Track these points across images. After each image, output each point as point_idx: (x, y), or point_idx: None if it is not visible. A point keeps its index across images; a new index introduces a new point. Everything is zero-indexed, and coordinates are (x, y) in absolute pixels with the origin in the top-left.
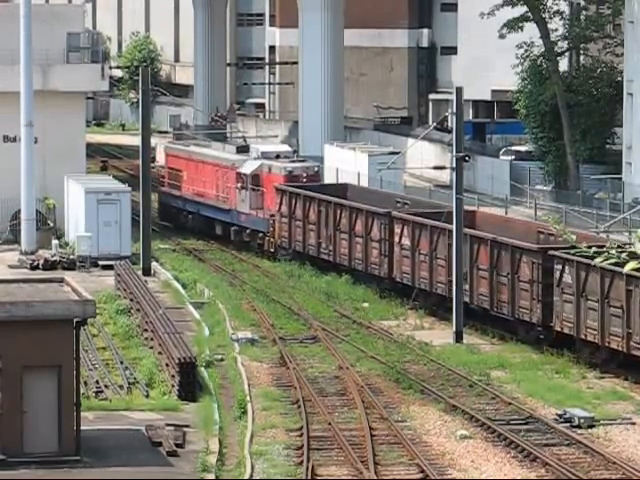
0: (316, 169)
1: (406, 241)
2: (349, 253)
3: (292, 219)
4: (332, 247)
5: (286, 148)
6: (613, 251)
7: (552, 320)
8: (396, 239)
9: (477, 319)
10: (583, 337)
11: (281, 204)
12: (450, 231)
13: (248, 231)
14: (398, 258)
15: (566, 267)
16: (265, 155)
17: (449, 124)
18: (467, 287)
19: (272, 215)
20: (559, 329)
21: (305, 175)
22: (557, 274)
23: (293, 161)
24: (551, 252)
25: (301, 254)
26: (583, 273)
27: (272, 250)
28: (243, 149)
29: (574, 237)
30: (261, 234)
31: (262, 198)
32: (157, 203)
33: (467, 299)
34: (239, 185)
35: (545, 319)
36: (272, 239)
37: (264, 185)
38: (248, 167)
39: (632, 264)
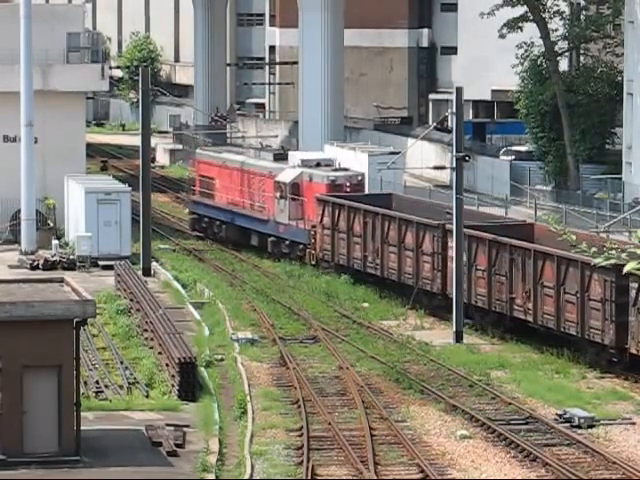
0: (359, 178)
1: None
2: (398, 267)
3: (335, 231)
4: (379, 261)
5: (326, 156)
6: (613, 251)
7: (627, 342)
8: (450, 253)
9: (477, 319)
10: None
11: (323, 215)
12: (512, 246)
13: (287, 242)
14: (453, 273)
15: None
16: (305, 163)
17: (449, 124)
18: (530, 305)
19: (313, 226)
20: (634, 352)
21: (348, 184)
22: (633, 293)
23: (335, 169)
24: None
25: (345, 267)
26: None
27: (313, 263)
28: (280, 156)
29: (574, 237)
30: (301, 246)
31: (302, 208)
32: (188, 212)
33: (530, 318)
34: (277, 194)
35: (619, 341)
36: (313, 251)
37: (304, 194)
38: (287, 175)
39: (632, 264)
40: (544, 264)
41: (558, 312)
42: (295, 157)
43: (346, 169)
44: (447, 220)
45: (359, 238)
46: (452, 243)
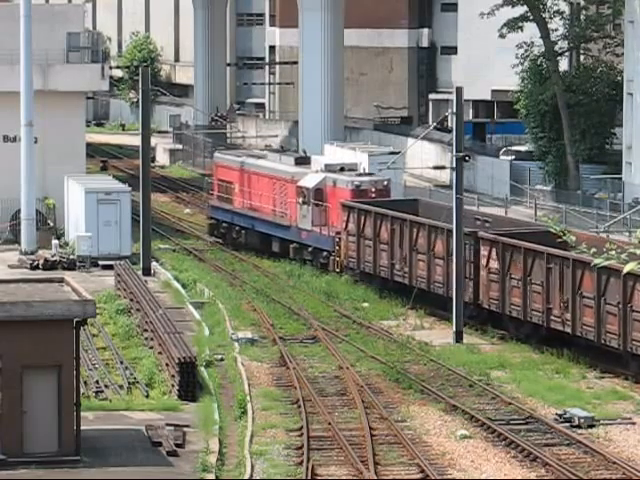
0: (385, 183)
1: (495, 264)
2: (427, 276)
3: (361, 237)
4: (407, 269)
5: (351, 160)
6: (613, 252)
7: None
8: (483, 262)
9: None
10: None
11: (348, 221)
12: (549, 254)
13: (310, 249)
14: (485, 282)
15: None
16: (329, 168)
17: (449, 124)
18: (568, 316)
19: (338, 233)
20: None
21: (374, 190)
22: None
23: (360, 174)
24: None
25: (371, 275)
26: None
27: (337, 270)
28: (302, 161)
29: (574, 238)
30: (325, 253)
31: (326, 214)
32: (206, 217)
33: (569, 329)
34: (300, 200)
35: None
36: (338, 258)
37: (328, 200)
38: (310, 180)
39: (631, 265)
40: (583, 273)
41: (598, 324)
42: (318, 162)
43: (371, 174)
44: (479, 227)
45: (386, 245)
46: (485, 251)
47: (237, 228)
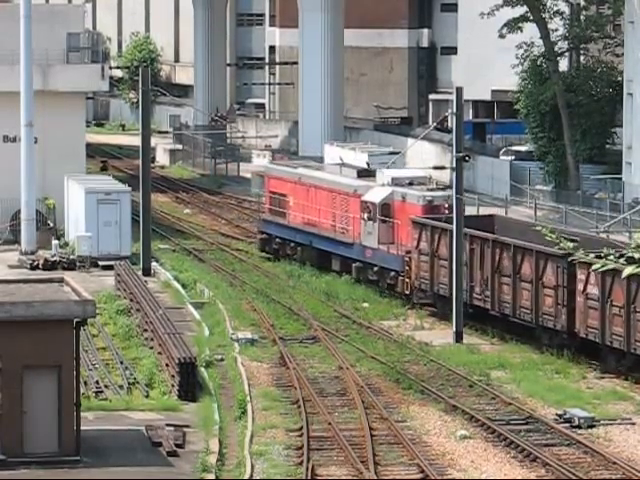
0: None
1: (594, 290)
2: (513, 300)
3: (435, 257)
4: (490, 293)
5: (420, 173)
6: (611, 257)
7: None
8: (579, 287)
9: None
10: None
11: (420, 239)
12: None
13: (376, 269)
14: (582, 310)
15: None
16: (396, 181)
17: (449, 124)
18: None
19: (408, 251)
20: None
21: (447, 206)
22: None
23: (432, 189)
24: None
25: (445, 298)
26: None
27: (407, 292)
28: (365, 173)
29: (570, 245)
30: (393, 273)
31: (394, 231)
32: (258, 232)
33: None
34: (365, 215)
35: None
36: (407, 279)
37: (396, 216)
38: (376, 195)
39: (630, 269)
40: None
41: None
42: (384, 175)
43: (443, 188)
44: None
45: (464, 267)
46: (583, 276)
47: (292, 244)
